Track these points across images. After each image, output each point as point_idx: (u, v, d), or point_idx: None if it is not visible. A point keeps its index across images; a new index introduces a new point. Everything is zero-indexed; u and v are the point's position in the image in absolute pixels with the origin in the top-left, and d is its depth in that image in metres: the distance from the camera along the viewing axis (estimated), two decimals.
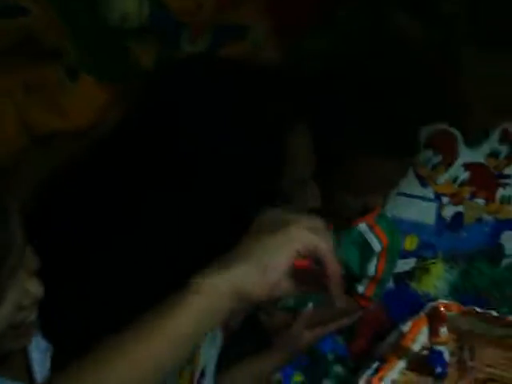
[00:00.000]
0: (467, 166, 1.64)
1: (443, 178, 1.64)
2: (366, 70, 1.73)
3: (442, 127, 1.63)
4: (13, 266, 0.73)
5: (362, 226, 1.21)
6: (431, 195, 1.64)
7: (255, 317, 1.24)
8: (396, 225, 1.30)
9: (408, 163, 1.13)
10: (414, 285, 1.62)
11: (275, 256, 0.75)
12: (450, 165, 1.64)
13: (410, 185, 1.63)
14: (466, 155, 1.64)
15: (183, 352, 0.75)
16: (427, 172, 1.64)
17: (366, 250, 1.24)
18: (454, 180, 1.65)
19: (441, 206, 1.65)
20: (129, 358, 0.72)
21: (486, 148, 1.65)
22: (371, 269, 1.25)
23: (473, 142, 1.64)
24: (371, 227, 1.23)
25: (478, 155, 1.65)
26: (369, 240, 1.23)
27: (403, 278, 1.62)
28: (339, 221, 1.14)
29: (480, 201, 1.66)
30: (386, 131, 1.04)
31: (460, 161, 1.64)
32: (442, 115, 1.64)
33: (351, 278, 1.25)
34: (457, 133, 1.63)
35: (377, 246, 1.23)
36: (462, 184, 1.65)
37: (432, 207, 1.65)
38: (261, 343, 1.23)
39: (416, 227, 1.64)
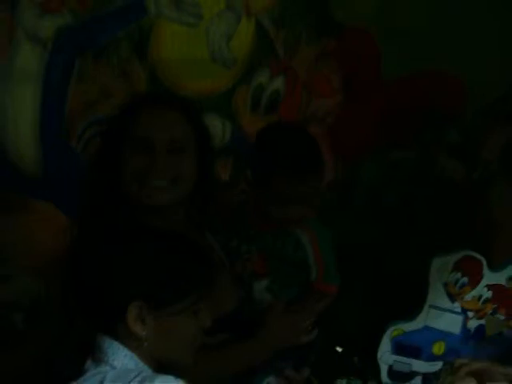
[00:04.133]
0: (490, 287, 1.94)
1: (470, 295, 1.94)
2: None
3: (470, 253, 1.94)
4: None
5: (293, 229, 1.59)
6: (459, 309, 1.94)
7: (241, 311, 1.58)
8: (322, 226, 1.61)
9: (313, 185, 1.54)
10: None
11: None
12: (475, 285, 1.94)
13: (442, 300, 1.94)
14: (489, 278, 1.94)
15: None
16: (456, 291, 1.94)
17: (298, 243, 1.58)
18: (479, 298, 1.94)
19: (466, 319, 1.94)
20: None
21: (506, 272, 1.94)
22: (310, 258, 1.59)
23: (496, 267, 1.94)
24: (302, 229, 1.60)
25: (499, 278, 1.95)
26: (299, 236, 1.59)
27: (431, 379, 1.91)
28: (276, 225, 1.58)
29: (500, 316, 1.95)
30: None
31: (484, 282, 1.94)
32: (471, 243, 1.97)
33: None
34: (482, 259, 1.94)
35: (304, 238, 1.58)
36: (486, 301, 1.94)
37: (459, 319, 1.94)
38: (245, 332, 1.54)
39: (444, 335, 1.94)
